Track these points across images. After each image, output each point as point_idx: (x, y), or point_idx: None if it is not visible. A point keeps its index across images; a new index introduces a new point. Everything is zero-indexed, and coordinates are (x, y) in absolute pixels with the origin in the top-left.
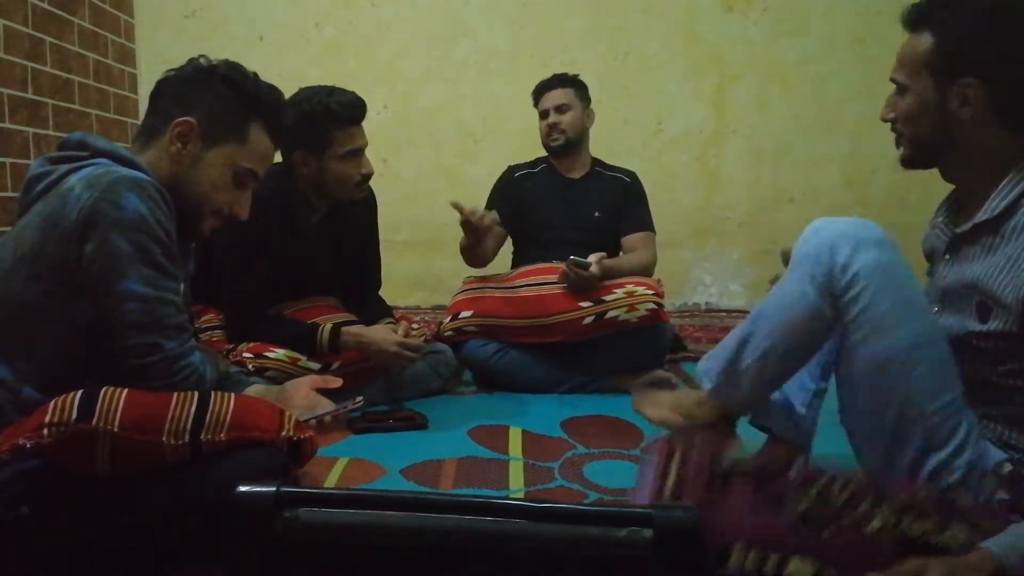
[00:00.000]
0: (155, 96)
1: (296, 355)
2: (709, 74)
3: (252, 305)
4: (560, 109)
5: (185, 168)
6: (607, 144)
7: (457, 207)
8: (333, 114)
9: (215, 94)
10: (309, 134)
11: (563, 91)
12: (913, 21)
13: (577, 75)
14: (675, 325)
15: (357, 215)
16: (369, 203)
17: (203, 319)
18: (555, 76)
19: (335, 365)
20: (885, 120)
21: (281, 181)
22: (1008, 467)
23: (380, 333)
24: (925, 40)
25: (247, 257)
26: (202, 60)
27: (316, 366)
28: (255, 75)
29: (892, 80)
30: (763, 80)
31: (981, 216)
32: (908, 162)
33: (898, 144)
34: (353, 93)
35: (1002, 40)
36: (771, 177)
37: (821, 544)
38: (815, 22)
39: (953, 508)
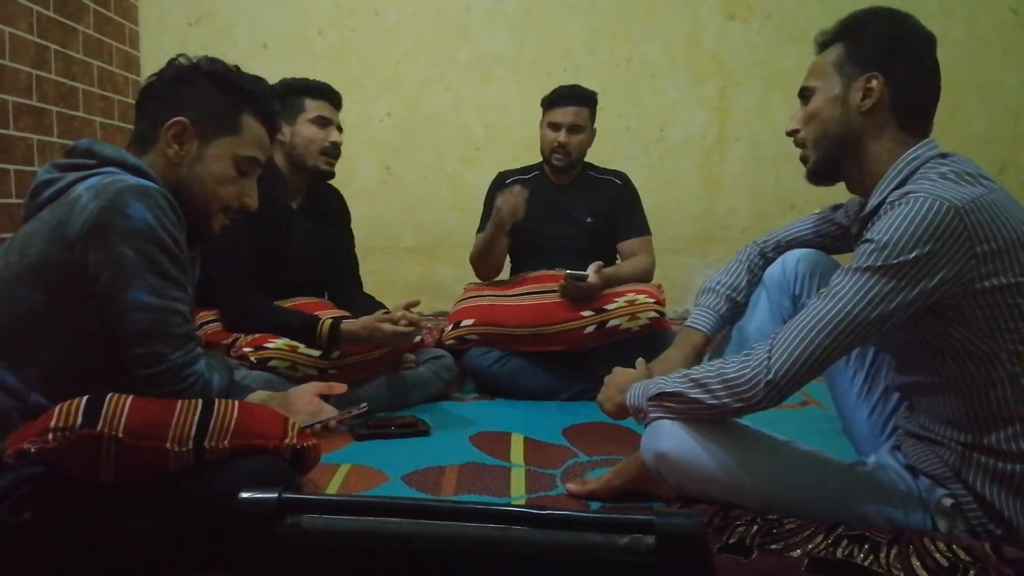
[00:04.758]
0: (142, 102)
1: (295, 343)
2: (711, 81)
3: (245, 287)
4: (573, 129)
5: (187, 168)
6: (610, 150)
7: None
8: (308, 86)
9: (202, 91)
10: (286, 103)
11: (579, 110)
12: (824, 42)
13: (595, 93)
14: (677, 332)
15: (332, 208)
16: (342, 201)
17: (199, 315)
18: (575, 91)
19: (336, 355)
20: (789, 133)
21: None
22: (950, 502)
23: (371, 328)
24: (835, 50)
25: (238, 239)
26: (182, 59)
27: (316, 353)
28: (237, 68)
29: (801, 91)
30: (765, 87)
31: (864, 214)
32: (813, 172)
33: (804, 159)
34: (332, 86)
35: (901, 45)
36: (773, 184)
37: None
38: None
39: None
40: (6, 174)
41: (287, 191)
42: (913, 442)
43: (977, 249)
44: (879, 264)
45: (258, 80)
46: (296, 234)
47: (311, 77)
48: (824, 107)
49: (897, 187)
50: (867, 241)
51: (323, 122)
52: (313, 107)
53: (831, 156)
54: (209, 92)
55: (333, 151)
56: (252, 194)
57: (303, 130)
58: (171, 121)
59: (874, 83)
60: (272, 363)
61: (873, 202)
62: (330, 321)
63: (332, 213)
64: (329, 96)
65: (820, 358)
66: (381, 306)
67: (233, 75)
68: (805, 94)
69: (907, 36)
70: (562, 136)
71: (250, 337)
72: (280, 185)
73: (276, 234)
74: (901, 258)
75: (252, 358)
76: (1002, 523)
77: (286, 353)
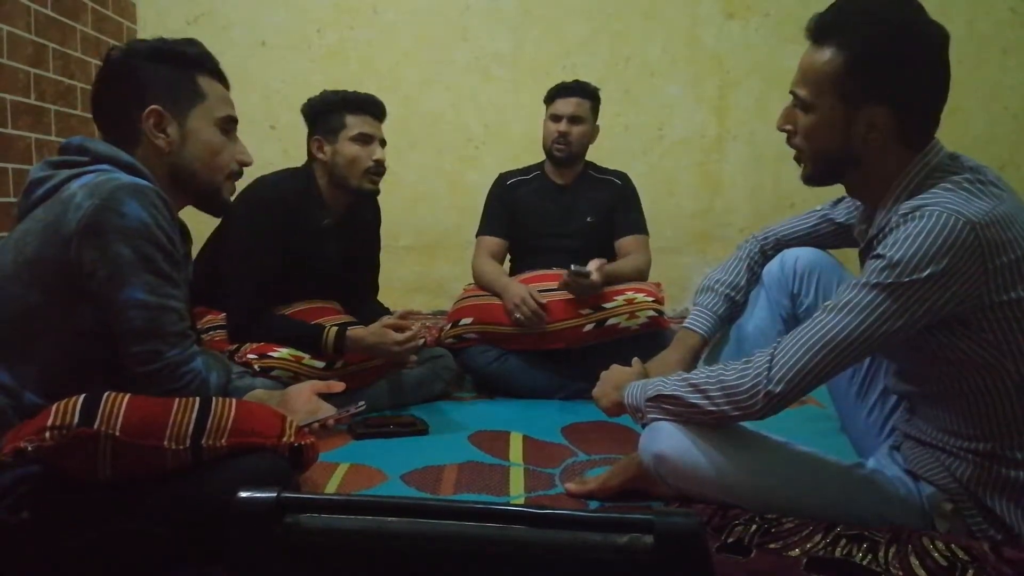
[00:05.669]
0: (99, 108)
1: (300, 353)
2: (710, 79)
3: (257, 302)
4: (574, 120)
5: (178, 152)
6: (609, 149)
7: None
8: (348, 101)
9: (152, 73)
10: (325, 120)
11: (581, 101)
12: (818, 34)
13: (597, 88)
14: (676, 331)
15: (366, 222)
16: (376, 212)
17: (205, 320)
18: (578, 83)
19: (339, 364)
20: (781, 130)
21: (299, 182)
22: (950, 506)
23: (379, 336)
24: (832, 58)
25: (258, 253)
26: (113, 53)
27: (320, 364)
28: (163, 39)
29: (794, 93)
30: (764, 86)
31: (872, 231)
32: (810, 179)
33: (799, 160)
34: (373, 95)
35: (910, 66)
36: (772, 183)
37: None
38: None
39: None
40: (4, 173)
41: (321, 210)
42: (912, 444)
43: (989, 265)
44: (890, 281)
45: (191, 42)
46: (324, 252)
47: (312, 75)
48: (822, 128)
49: (909, 196)
50: (878, 256)
51: (365, 139)
52: (354, 123)
53: (832, 171)
54: (160, 72)
55: (377, 170)
56: (244, 150)
57: (345, 149)
58: (145, 113)
59: (879, 119)
60: (275, 372)
61: (882, 218)
62: (335, 329)
63: (365, 225)
64: (370, 109)
65: (822, 372)
66: (388, 312)
67: (171, 46)
68: (799, 103)
69: (915, 46)
70: (563, 126)
71: (255, 344)
72: (312, 206)
73: (303, 253)
74: (914, 276)
75: (256, 366)
76: (1003, 529)
77: (290, 363)
